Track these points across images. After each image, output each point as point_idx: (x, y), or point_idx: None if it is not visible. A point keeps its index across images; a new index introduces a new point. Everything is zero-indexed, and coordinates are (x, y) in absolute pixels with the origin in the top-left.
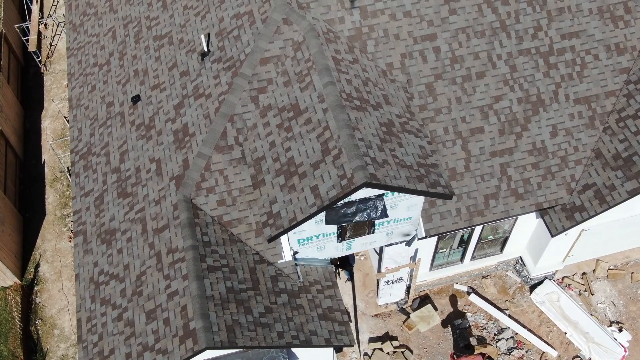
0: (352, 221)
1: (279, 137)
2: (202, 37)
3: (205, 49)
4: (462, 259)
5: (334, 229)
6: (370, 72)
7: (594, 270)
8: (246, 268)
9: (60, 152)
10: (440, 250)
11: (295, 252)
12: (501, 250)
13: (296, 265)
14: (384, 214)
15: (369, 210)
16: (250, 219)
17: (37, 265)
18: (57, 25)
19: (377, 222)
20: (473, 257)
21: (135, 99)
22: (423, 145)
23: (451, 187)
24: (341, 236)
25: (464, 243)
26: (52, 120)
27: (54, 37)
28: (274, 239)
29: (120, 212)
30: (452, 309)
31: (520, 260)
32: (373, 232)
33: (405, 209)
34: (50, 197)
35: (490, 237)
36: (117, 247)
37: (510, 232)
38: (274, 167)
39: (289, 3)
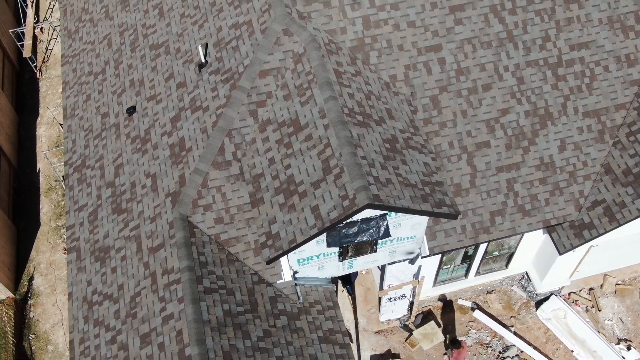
0: (354, 242)
1: (278, 153)
2: (200, 48)
3: (203, 60)
4: (466, 274)
5: (335, 248)
6: (373, 84)
7: (601, 286)
8: (244, 289)
9: (55, 161)
10: (444, 267)
11: (295, 272)
12: (506, 265)
13: (296, 285)
14: (387, 234)
15: (371, 231)
16: (248, 238)
17: (31, 278)
18: (53, 30)
19: (379, 241)
20: (478, 273)
21: (131, 110)
22: (427, 162)
23: (456, 206)
24: (343, 255)
25: (468, 259)
26: (48, 128)
27: (50, 41)
28: (272, 260)
29: (114, 229)
30: (455, 325)
31: (525, 275)
32: (375, 251)
33: (409, 227)
34: (45, 207)
35: (496, 253)
36: (111, 265)
37: (516, 248)
38: (273, 185)
39: (289, 13)
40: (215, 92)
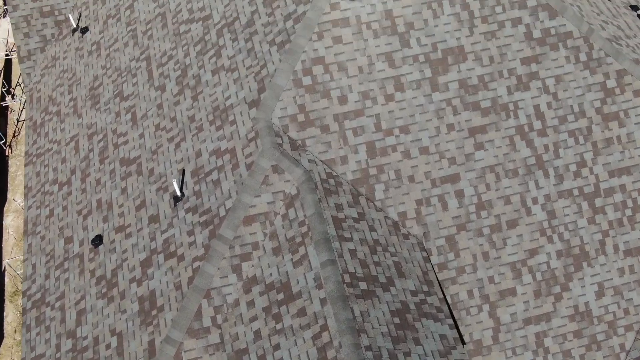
0: None
1: (265, 326)
2: (175, 182)
3: (178, 193)
4: None
5: None
6: (379, 229)
7: None
8: None
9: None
10: None
11: None
12: None
13: None
14: None
15: None
16: None
17: None
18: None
19: None
20: None
21: (97, 241)
22: (444, 333)
23: None
24: None
25: None
26: (16, 217)
27: (21, 110)
28: None
29: None
30: None
31: None
32: None
33: None
34: (10, 316)
35: None
36: None
37: None
38: None
39: (279, 144)
40: (192, 237)
